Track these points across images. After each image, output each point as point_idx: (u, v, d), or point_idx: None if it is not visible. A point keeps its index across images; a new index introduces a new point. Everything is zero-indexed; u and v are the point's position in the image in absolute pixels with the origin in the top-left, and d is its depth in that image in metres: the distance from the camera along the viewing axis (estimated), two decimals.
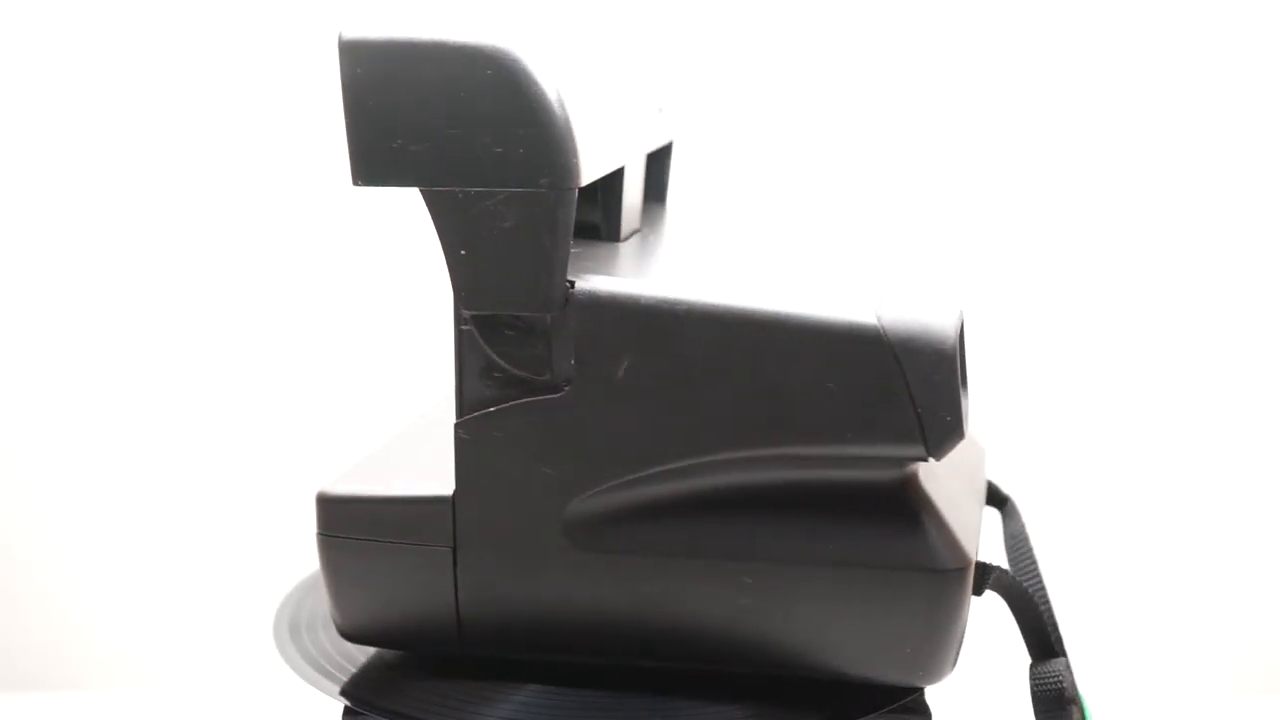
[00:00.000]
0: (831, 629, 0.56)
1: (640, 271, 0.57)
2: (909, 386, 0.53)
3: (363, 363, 1.13)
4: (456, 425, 0.56)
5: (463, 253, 0.53)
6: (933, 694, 0.59)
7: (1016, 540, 0.69)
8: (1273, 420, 1.10)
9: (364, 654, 0.63)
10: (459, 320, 0.55)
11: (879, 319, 0.54)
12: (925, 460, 0.55)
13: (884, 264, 0.61)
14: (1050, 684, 0.61)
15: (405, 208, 1.04)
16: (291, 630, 0.66)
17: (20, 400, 1.15)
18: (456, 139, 0.52)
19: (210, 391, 1.14)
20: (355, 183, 0.54)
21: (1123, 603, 1.12)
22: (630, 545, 0.56)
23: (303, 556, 0.75)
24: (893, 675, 0.57)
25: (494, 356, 0.55)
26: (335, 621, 0.59)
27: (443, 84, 0.52)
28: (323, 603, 0.68)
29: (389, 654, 0.63)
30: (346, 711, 0.60)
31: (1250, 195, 1.09)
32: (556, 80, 0.53)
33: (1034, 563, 0.67)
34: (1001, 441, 0.92)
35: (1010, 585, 0.62)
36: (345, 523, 0.57)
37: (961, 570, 0.55)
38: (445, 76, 0.52)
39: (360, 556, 0.57)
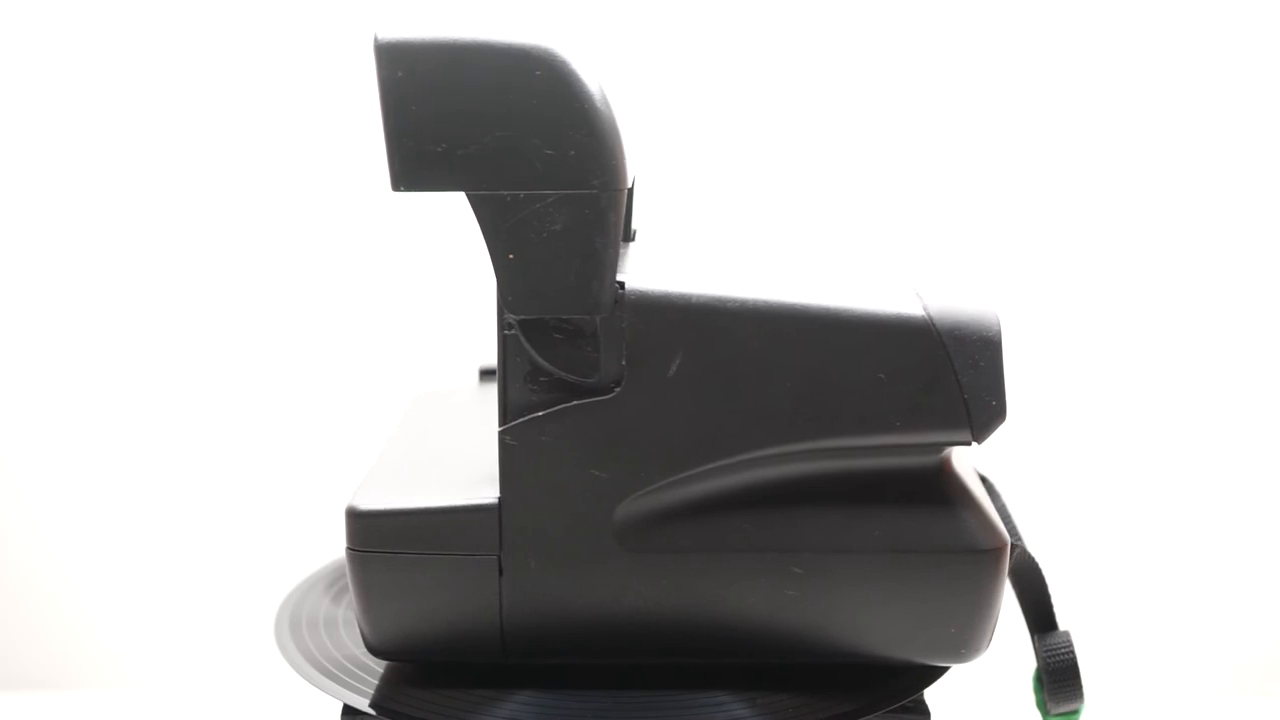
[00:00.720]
0: (877, 614, 0.57)
1: (682, 271, 0.57)
2: (956, 373, 0.54)
3: (361, 361, 1.12)
4: (502, 432, 0.55)
5: (510, 257, 0.53)
6: (933, 694, 0.60)
7: (1003, 515, 0.71)
8: (1273, 420, 1.11)
9: (366, 656, 0.62)
10: (503, 325, 0.55)
11: (926, 309, 0.54)
12: (969, 445, 0.55)
13: (898, 261, 0.62)
14: (1063, 654, 0.63)
15: (403, 209, 1.02)
16: (293, 630, 0.65)
17: (20, 400, 1.15)
18: (504, 141, 0.51)
19: (210, 392, 1.14)
20: (396, 188, 0.52)
21: (1122, 602, 1.13)
22: (679, 544, 0.56)
23: (302, 556, 0.74)
24: (935, 656, 0.58)
25: (540, 361, 0.54)
26: (367, 638, 0.58)
27: (489, 86, 0.51)
28: (324, 603, 0.68)
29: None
30: (345, 711, 0.59)
31: (1249, 196, 1.10)
32: (599, 81, 0.52)
33: (1021, 537, 0.68)
34: (1001, 441, 0.95)
35: (1020, 559, 0.64)
36: (381, 537, 0.56)
37: (1000, 549, 0.57)
38: (492, 78, 0.51)
39: (397, 570, 0.56)
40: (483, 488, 0.57)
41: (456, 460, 0.61)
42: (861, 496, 0.56)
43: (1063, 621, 0.65)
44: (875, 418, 0.55)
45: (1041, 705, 0.66)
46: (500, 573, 0.56)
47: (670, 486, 0.55)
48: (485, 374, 0.73)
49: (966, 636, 0.57)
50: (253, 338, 1.12)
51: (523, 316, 0.54)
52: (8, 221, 1.12)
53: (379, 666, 0.61)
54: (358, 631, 0.62)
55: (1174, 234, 1.08)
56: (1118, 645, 1.10)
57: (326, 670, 0.61)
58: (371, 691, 0.58)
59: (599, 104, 0.52)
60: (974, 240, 1.09)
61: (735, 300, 0.54)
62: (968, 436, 0.55)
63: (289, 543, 1.09)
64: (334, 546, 0.71)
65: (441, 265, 1.10)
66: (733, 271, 0.58)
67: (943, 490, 0.57)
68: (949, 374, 0.54)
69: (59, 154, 1.11)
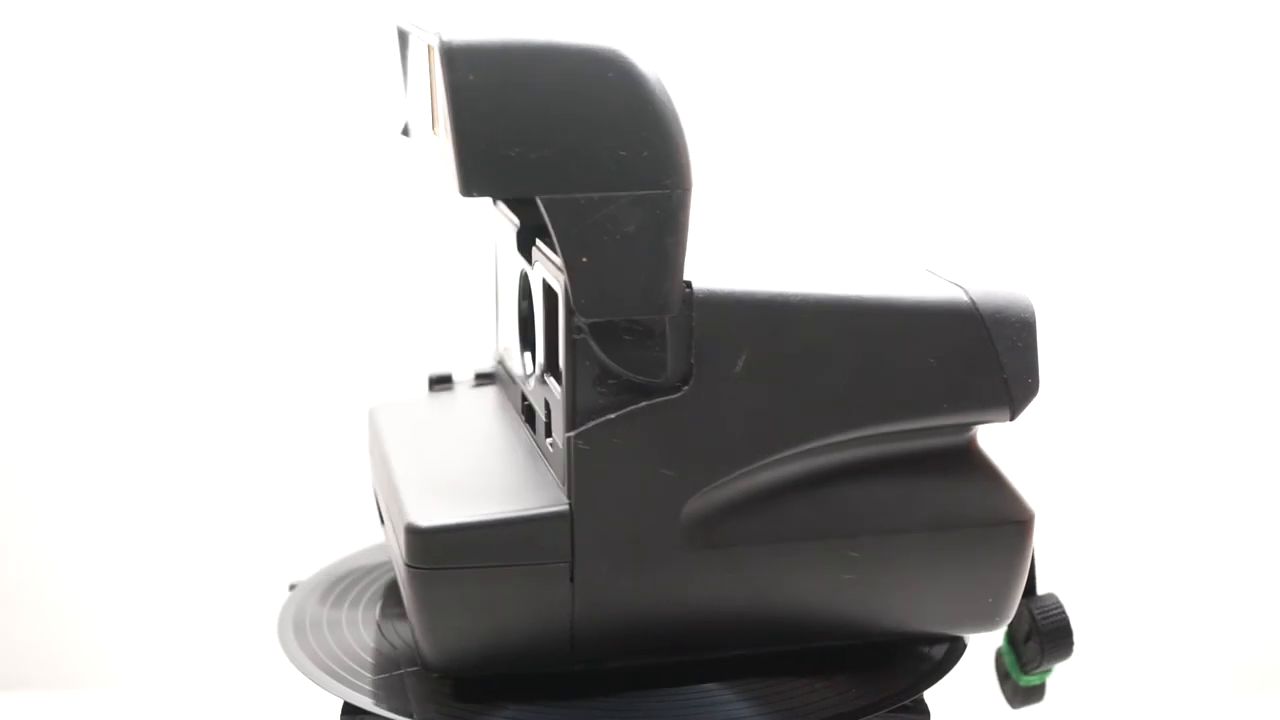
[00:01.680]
0: (926, 590, 0.59)
1: (742, 267, 0.58)
2: (998, 354, 0.57)
3: (360, 359, 1.10)
4: (574, 436, 0.54)
5: (584, 260, 0.52)
6: (933, 694, 0.61)
7: None
8: (1272, 420, 1.13)
9: (371, 656, 0.61)
10: (571, 330, 0.54)
11: (969, 295, 0.57)
12: (1006, 422, 0.58)
13: (912, 251, 0.65)
14: (1056, 614, 0.66)
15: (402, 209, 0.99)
16: (296, 630, 0.63)
17: (20, 399, 1.13)
18: (578, 144, 0.51)
19: (210, 391, 1.12)
20: (467, 193, 0.51)
21: (1122, 603, 1.14)
22: (743, 537, 0.57)
23: (303, 556, 0.72)
24: (974, 626, 0.61)
25: (610, 363, 0.54)
26: (427, 656, 0.56)
27: (563, 88, 0.51)
28: (328, 603, 0.66)
29: (397, 653, 0.61)
30: (345, 710, 0.58)
31: (1248, 196, 1.12)
32: (664, 81, 0.53)
33: None
34: (999, 442, 0.96)
35: None
36: (447, 553, 0.54)
37: (1031, 519, 0.60)
38: (565, 80, 0.51)
39: (464, 586, 0.54)
40: (545, 494, 0.56)
41: (492, 470, 0.60)
42: (907, 478, 0.58)
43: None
44: (926, 401, 0.57)
45: (1015, 667, 0.69)
46: (572, 579, 0.55)
47: (734, 481, 0.56)
48: (436, 382, 0.72)
49: (1001, 605, 0.60)
50: (252, 333, 1.11)
51: (594, 320, 0.54)
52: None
53: (387, 666, 0.60)
54: (359, 631, 0.62)
55: (1173, 234, 1.11)
56: (1117, 645, 1.11)
57: (333, 671, 0.60)
58: (380, 692, 0.57)
59: (668, 104, 0.52)
60: (972, 236, 1.11)
61: (796, 295, 0.56)
62: (1006, 415, 0.58)
63: (288, 542, 1.08)
64: (334, 546, 0.71)
65: (392, 270, 1.10)
66: (785, 265, 0.60)
67: (977, 466, 0.60)
68: (992, 355, 0.57)
69: (55, 156, 1.10)
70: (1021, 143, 1.11)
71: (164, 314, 1.13)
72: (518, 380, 0.65)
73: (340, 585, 0.69)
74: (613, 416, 0.54)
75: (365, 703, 0.57)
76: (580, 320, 0.54)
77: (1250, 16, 1.07)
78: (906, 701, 0.59)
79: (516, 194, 0.52)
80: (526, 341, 0.65)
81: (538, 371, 0.61)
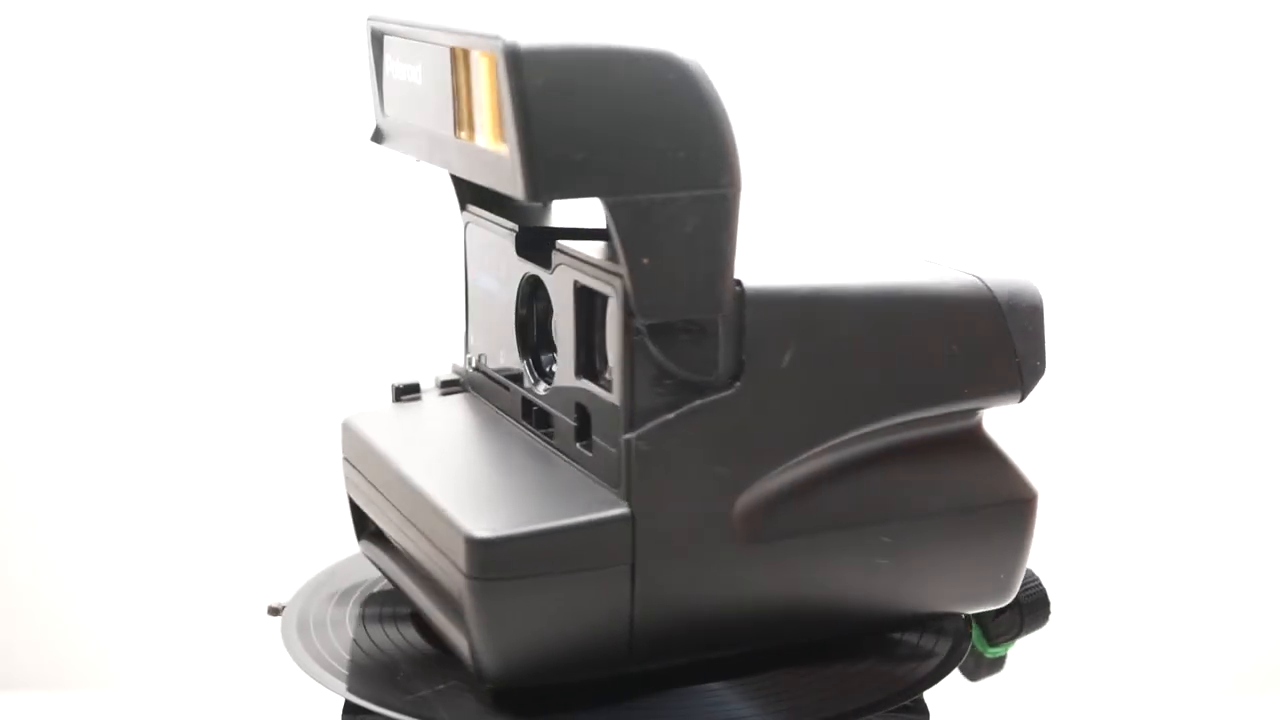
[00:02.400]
0: (948, 570, 0.61)
1: (785, 264, 0.59)
2: (1012, 339, 0.59)
3: (359, 357, 1.08)
4: (636, 438, 0.54)
5: (645, 261, 0.52)
6: (933, 694, 0.62)
7: None
8: (1272, 419, 1.13)
9: (376, 654, 0.60)
10: (629, 330, 0.54)
11: (984, 283, 0.59)
12: (1016, 404, 0.61)
13: (913, 242, 0.67)
14: (1034, 587, 0.70)
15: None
16: (300, 629, 0.62)
17: (20, 399, 1.11)
18: (642, 145, 0.51)
19: (209, 391, 1.10)
20: (534, 199, 0.51)
21: (1121, 603, 1.14)
22: (788, 529, 0.57)
23: (302, 557, 0.70)
24: (987, 601, 0.64)
25: (667, 363, 0.54)
26: (485, 669, 0.55)
27: (626, 91, 0.51)
28: (332, 602, 0.65)
29: (401, 653, 0.60)
30: (346, 708, 0.57)
31: (1246, 188, 1.12)
32: (716, 82, 0.53)
33: None
34: (1007, 444, 0.96)
35: None
36: (512, 563, 0.53)
37: (1036, 496, 0.63)
38: (628, 83, 0.51)
39: (526, 595, 0.54)
40: (597, 498, 0.56)
41: (527, 477, 0.59)
42: (928, 462, 0.60)
43: (1062, 621, 0.70)
44: (949, 387, 0.59)
45: (981, 639, 0.72)
46: (633, 582, 0.55)
47: (781, 474, 0.57)
48: (403, 392, 0.70)
49: (1010, 579, 0.63)
50: (251, 331, 1.11)
51: (654, 321, 0.54)
52: None
53: (392, 664, 0.59)
54: (361, 629, 0.61)
55: (1171, 235, 1.11)
56: (1116, 645, 1.12)
57: (337, 670, 0.59)
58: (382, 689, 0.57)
59: (721, 104, 0.53)
60: (970, 230, 1.12)
61: (835, 288, 0.57)
62: (1017, 397, 0.61)
63: (287, 542, 1.06)
64: (333, 547, 0.69)
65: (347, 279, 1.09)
66: (815, 260, 0.61)
67: (986, 448, 0.62)
68: (1007, 340, 0.60)
69: (54, 156, 1.09)
70: (1020, 139, 1.12)
71: (163, 314, 1.12)
72: (510, 385, 0.65)
73: (341, 586, 0.68)
74: (671, 417, 0.54)
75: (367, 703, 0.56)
76: (640, 322, 0.54)
77: (1250, 15, 1.09)
78: (906, 701, 0.60)
79: (583, 196, 0.52)
80: (527, 347, 0.64)
81: (561, 374, 0.61)
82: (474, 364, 0.69)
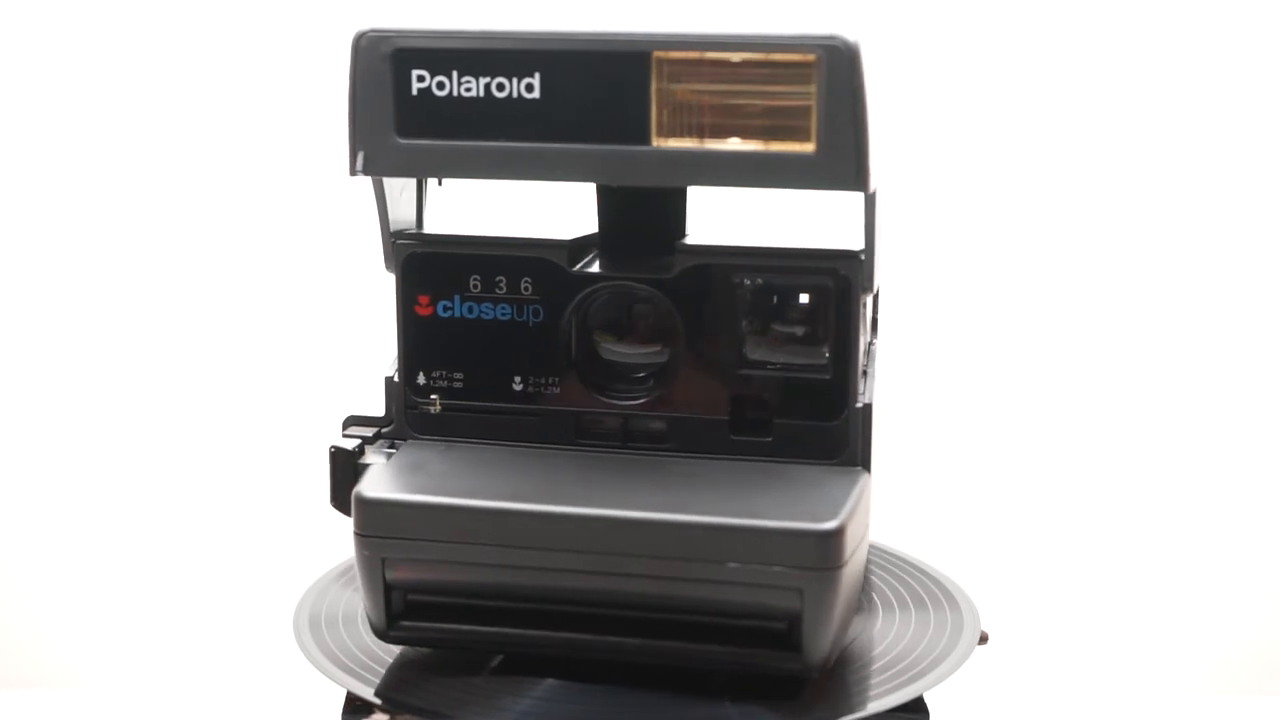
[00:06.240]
0: None
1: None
2: None
3: (359, 356, 0.94)
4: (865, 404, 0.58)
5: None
6: (933, 695, 0.62)
7: None
8: (1271, 419, 1.09)
9: (382, 652, 0.58)
10: (859, 306, 0.57)
11: None
12: None
13: None
14: None
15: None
16: (312, 626, 0.60)
17: (19, 399, 1.10)
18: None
19: (208, 391, 1.10)
20: (865, 189, 0.52)
21: (1119, 602, 1.09)
22: None
23: (304, 556, 0.68)
24: None
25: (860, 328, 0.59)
26: (816, 659, 0.54)
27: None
28: (342, 598, 0.62)
29: (408, 652, 0.58)
30: (347, 704, 0.56)
31: (1244, 187, 1.05)
32: None
33: None
34: (995, 442, 0.94)
35: None
36: (845, 547, 0.53)
37: None
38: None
39: (848, 577, 0.54)
40: (833, 472, 0.57)
41: (728, 477, 0.57)
42: None
43: (1061, 620, 0.74)
44: None
45: None
46: None
47: None
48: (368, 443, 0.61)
49: None
50: (251, 329, 1.10)
51: (871, 293, 0.58)
52: None
53: (399, 664, 0.57)
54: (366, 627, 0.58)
55: (1170, 234, 1.06)
56: (1117, 646, 1.09)
57: (348, 667, 0.57)
58: (394, 688, 0.55)
59: None
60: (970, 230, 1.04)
61: None
62: None
63: (287, 542, 1.04)
64: (333, 547, 0.65)
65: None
66: None
67: None
68: None
69: (51, 155, 1.07)
70: (1018, 137, 1.06)
71: (158, 315, 1.10)
72: (578, 408, 0.59)
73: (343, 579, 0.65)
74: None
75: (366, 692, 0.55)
76: (866, 299, 0.57)
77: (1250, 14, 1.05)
78: (906, 701, 0.59)
79: (872, 184, 0.53)
80: (572, 366, 0.60)
81: (689, 377, 0.58)
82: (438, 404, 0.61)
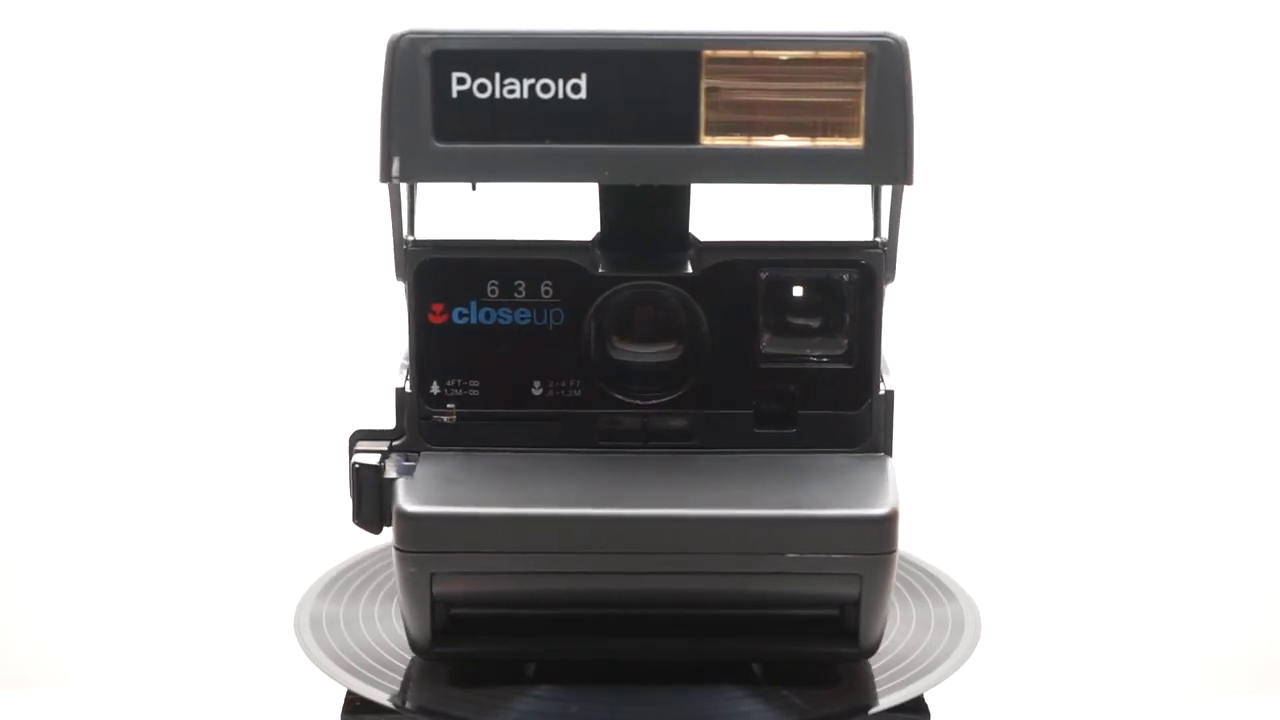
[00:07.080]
0: None
1: None
2: None
3: (360, 356, 0.97)
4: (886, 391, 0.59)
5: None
6: (933, 695, 0.62)
7: None
8: (1270, 419, 1.07)
9: (384, 651, 0.58)
10: (881, 296, 0.57)
11: None
12: None
13: None
14: None
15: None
16: (313, 625, 0.60)
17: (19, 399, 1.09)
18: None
19: (207, 391, 1.07)
20: (911, 183, 0.54)
21: (1120, 603, 1.07)
22: None
23: (304, 557, 0.68)
24: None
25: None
26: (872, 642, 0.55)
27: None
28: (342, 600, 0.61)
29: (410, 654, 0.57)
30: (347, 704, 0.56)
31: (1244, 187, 1.03)
32: None
33: None
34: (991, 442, 0.95)
35: None
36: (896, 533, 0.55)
37: None
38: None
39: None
40: (861, 458, 0.58)
41: (768, 471, 0.57)
42: None
43: (1062, 620, 0.75)
44: None
45: None
46: None
47: None
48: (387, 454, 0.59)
49: None
50: (251, 329, 1.08)
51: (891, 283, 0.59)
52: None
53: (401, 665, 0.57)
54: (372, 626, 0.60)
55: (1171, 235, 1.04)
56: (1117, 646, 1.07)
57: (351, 667, 0.56)
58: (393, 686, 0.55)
59: None
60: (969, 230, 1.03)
61: None
62: None
63: (286, 542, 1.04)
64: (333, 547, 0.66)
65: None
66: None
67: None
68: None
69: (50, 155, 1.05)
70: (1033, 129, 1.04)
71: (157, 316, 1.08)
72: (597, 410, 0.58)
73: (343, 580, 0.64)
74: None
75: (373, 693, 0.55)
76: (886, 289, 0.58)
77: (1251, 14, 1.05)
78: (906, 701, 0.60)
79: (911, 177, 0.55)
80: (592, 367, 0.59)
81: (717, 375, 0.58)
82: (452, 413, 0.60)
